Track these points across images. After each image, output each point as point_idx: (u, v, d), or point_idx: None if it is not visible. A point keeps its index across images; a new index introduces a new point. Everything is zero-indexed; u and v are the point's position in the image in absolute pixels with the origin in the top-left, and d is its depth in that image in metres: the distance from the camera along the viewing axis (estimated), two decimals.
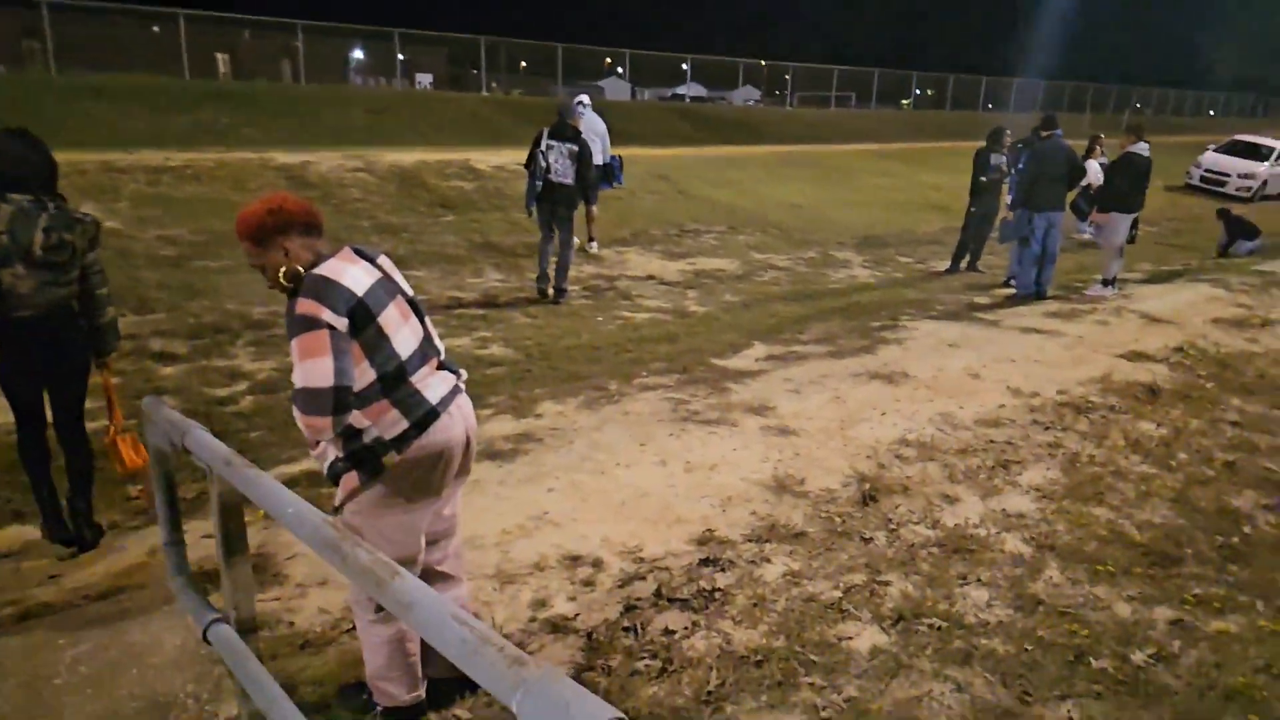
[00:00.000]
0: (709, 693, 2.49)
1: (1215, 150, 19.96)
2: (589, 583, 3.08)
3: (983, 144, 9.53)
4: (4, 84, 14.04)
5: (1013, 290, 8.62)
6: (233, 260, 7.20)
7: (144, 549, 3.29)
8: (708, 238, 11.11)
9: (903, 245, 11.89)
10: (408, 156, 11.62)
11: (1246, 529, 3.66)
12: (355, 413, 2.03)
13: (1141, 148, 8.10)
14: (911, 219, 13.77)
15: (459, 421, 2.18)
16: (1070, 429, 4.72)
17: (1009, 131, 9.65)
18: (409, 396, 2.08)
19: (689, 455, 4.17)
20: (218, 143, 11.66)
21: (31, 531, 3.38)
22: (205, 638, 1.94)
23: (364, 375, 2.02)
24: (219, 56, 24.31)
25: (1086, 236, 11.88)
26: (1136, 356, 6.16)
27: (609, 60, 31.34)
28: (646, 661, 2.64)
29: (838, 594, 3.02)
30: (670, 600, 2.96)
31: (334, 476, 2.15)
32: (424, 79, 29.40)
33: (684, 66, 29.11)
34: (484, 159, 12.01)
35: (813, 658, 2.66)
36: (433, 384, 2.15)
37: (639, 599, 2.97)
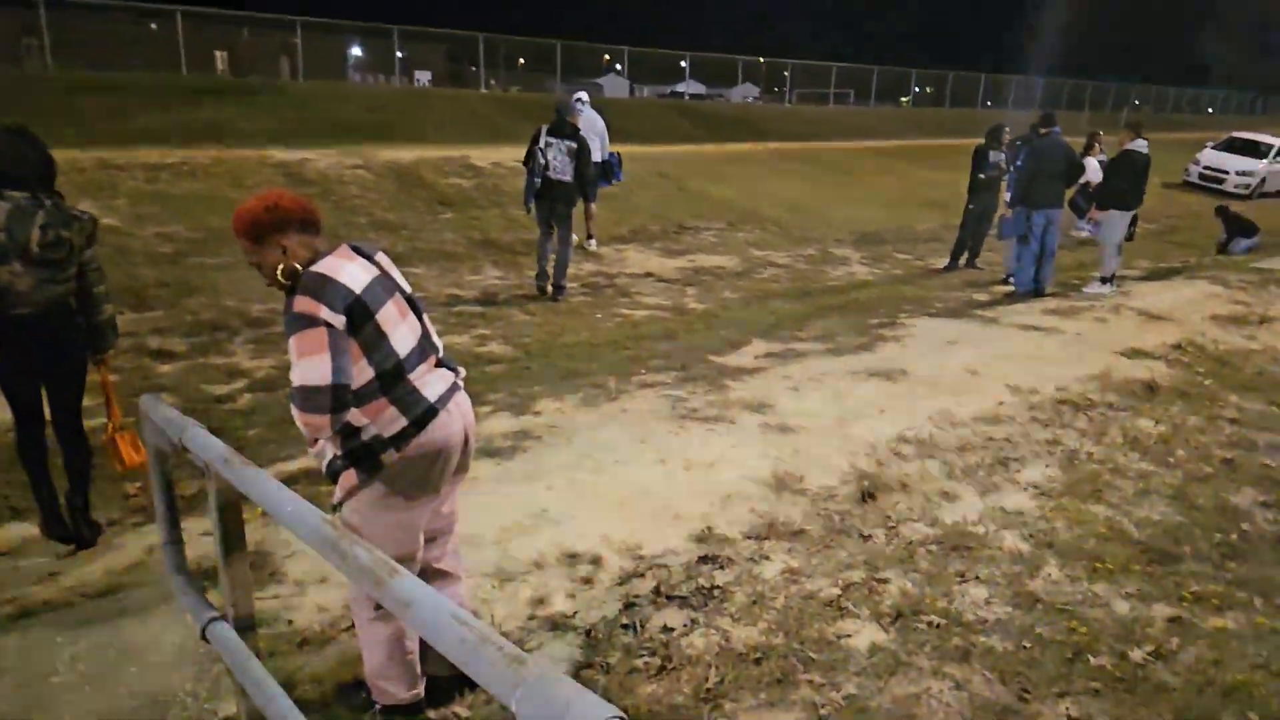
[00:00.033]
0: (708, 690, 2.49)
1: (1214, 147, 19.96)
2: (588, 580, 3.08)
3: (981, 141, 9.52)
4: (1, 81, 13.99)
5: (1011, 287, 8.62)
6: (231, 257, 7.19)
7: (142, 547, 3.29)
8: (707, 235, 11.11)
9: (901, 242, 11.89)
10: (406, 154, 11.61)
11: (1245, 526, 3.66)
12: (353, 411, 2.03)
13: (1140, 145, 8.10)
14: (910, 216, 13.77)
15: (457, 419, 2.18)
16: (1069, 426, 4.72)
17: (1008, 129, 9.64)
18: (407, 394, 2.08)
19: (688, 453, 4.17)
20: (216, 140, 11.63)
21: (30, 529, 3.37)
22: (204, 636, 1.93)
23: (362, 373, 2.02)
24: (217, 53, 24.26)
25: (1085, 234, 11.84)
26: (1135, 354, 6.16)
27: (608, 57, 31.31)
28: (645, 659, 2.64)
29: (837, 591, 3.02)
30: (669, 598, 2.96)
31: (332, 474, 2.15)
32: (423, 76, 29.35)
33: (682, 64, 29.07)
34: (483, 156, 12.00)
35: (812, 655, 2.66)
36: (431, 382, 2.15)
37: (638, 596, 2.97)
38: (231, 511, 1.79)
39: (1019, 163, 8.64)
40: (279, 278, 2.03)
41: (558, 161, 7.22)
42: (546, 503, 3.63)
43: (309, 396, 1.92)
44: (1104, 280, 8.50)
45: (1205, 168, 19.34)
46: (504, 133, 14.48)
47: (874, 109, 30.59)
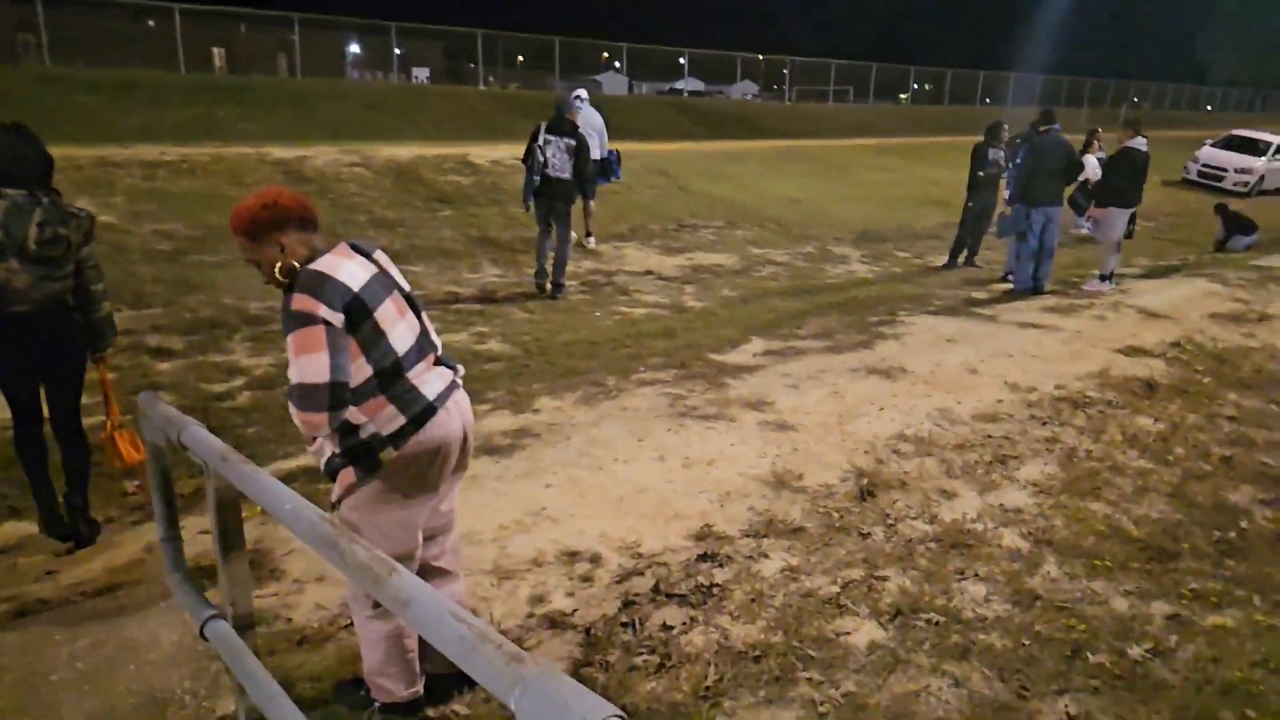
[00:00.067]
0: (707, 688, 2.49)
1: (1213, 145, 19.98)
2: (587, 578, 3.08)
3: (980, 139, 9.52)
4: None
5: (1010, 285, 8.62)
6: (229, 255, 7.19)
7: (141, 545, 3.29)
8: (706, 233, 11.10)
9: (901, 240, 11.89)
10: (405, 151, 11.59)
11: (1243, 524, 3.66)
12: (352, 409, 2.02)
13: (1139, 142, 8.10)
14: (909, 214, 13.77)
15: (456, 417, 2.18)
16: (1068, 424, 4.73)
17: (1007, 126, 9.64)
18: (406, 392, 2.08)
19: (687, 451, 4.17)
20: (214, 137, 11.61)
21: (28, 528, 3.37)
22: (202, 634, 1.93)
23: (360, 371, 2.01)
24: (215, 50, 24.22)
25: (1084, 231, 11.88)
26: (1134, 351, 6.16)
27: (606, 54, 31.30)
28: (645, 657, 2.64)
29: (835, 589, 3.02)
30: (668, 596, 2.96)
31: (331, 472, 2.15)
32: (421, 73, 29.33)
33: (681, 61, 29.08)
34: (481, 153, 11.98)
35: (810, 653, 2.66)
36: (430, 380, 2.14)
37: (637, 594, 2.97)
38: (230, 509, 1.79)
39: (1018, 160, 8.64)
40: (277, 276, 2.03)
41: (556, 159, 7.21)
42: (545, 501, 3.63)
43: (307, 394, 1.91)
44: (1103, 278, 8.51)
45: (1204, 165, 19.35)
46: (503, 130, 14.48)
47: (873, 106, 30.59)
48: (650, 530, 3.41)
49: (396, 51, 23.74)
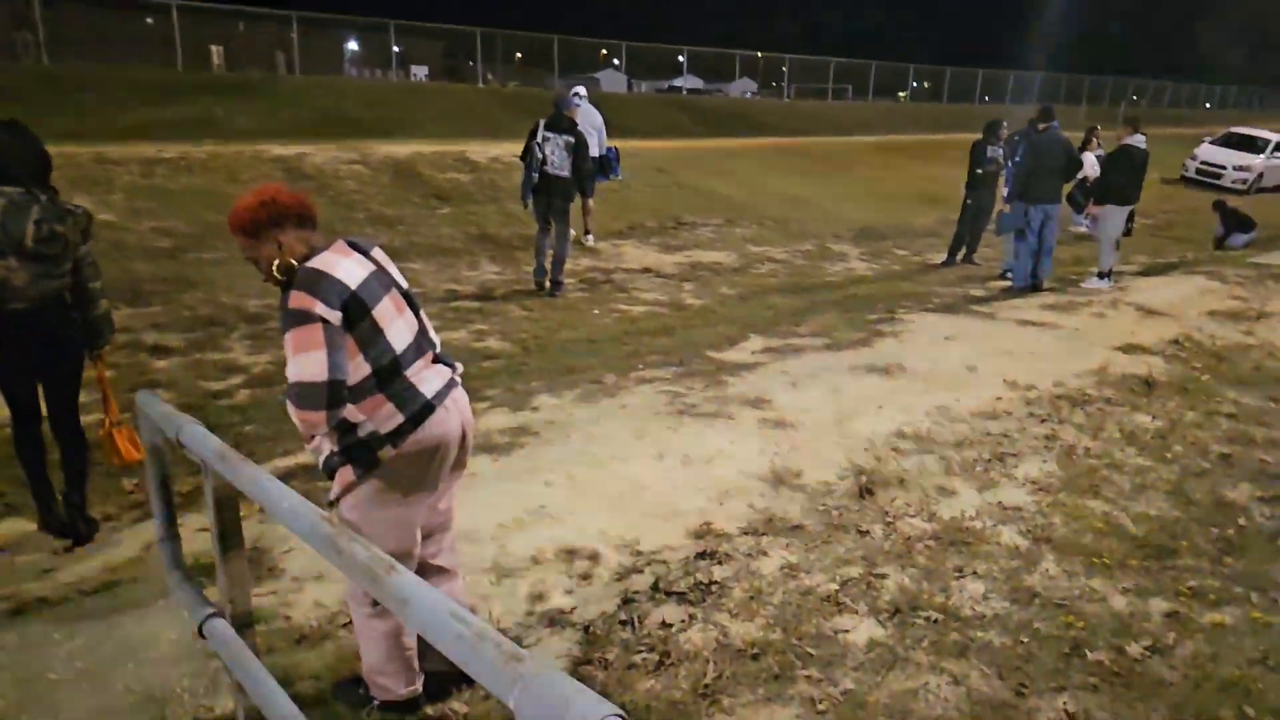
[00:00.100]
0: (706, 685, 2.49)
1: (1211, 143, 19.98)
2: (586, 576, 3.08)
3: (979, 136, 9.51)
4: None
5: (1009, 283, 8.62)
6: (227, 252, 7.18)
7: (139, 543, 3.28)
8: (704, 230, 11.10)
9: (899, 238, 11.89)
10: (403, 149, 11.58)
11: (1242, 521, 3.67)
12: (350, 407, 2.02)
13: (1138, 140, 8.10)
14: (908, 211, 13.76)
15: (455, 415, 2.17)
16: (1066, 421, 4.73)
17: (1006, 124, 9.64)
18: (404, 390, 2.07)
19: (686, 448, 4.17)
20: (212, 134, 11.59)
21: (25, 525, 3.36)
22: (201, 632, 1.93)
23: (358, 369, 2.01)
24: (213, 48, 24.13)
25: (1083, 229, 11.88)
26: (1132, 349, 6.17)
27: (605, 52, 31.24)
28: (644, 654, 2.64)
29: (834, 587, 3.02)
30: (667, 593, 2.96)
31: (329, 470, 2.14)
32: (419, 71, 29.27)
33: (680, 59, 29.04)
34: (480, 151, 11.97)
35: (809, 650, 2.66)
36: (428, 378, 2.14)
37: (636, 592, 2.97)
38: (228, 508, 1.79)
39: (1017, 158, 8.63)
40: (275, 273, 2.02)
41: (555, 157, 7.20)
42: (544, 499, 3.63)
43: (305, 393, 1.91)
44: (1101, 275, 8.51)
45: (1203, 163, 19.35)
46: (501, 128, 14.46)
47: (872, 104, 30.58)
48: (649, 528, 3.41)
49: (395, 49, 23.69)
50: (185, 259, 7.36)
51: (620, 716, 0.83)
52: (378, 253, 2.18)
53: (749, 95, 33.85)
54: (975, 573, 3.15)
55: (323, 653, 2.62)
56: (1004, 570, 3.18)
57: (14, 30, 17.02)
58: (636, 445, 4.20)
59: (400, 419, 2.06)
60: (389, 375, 2.05)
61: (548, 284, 7.62)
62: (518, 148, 7.81)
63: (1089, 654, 2.69)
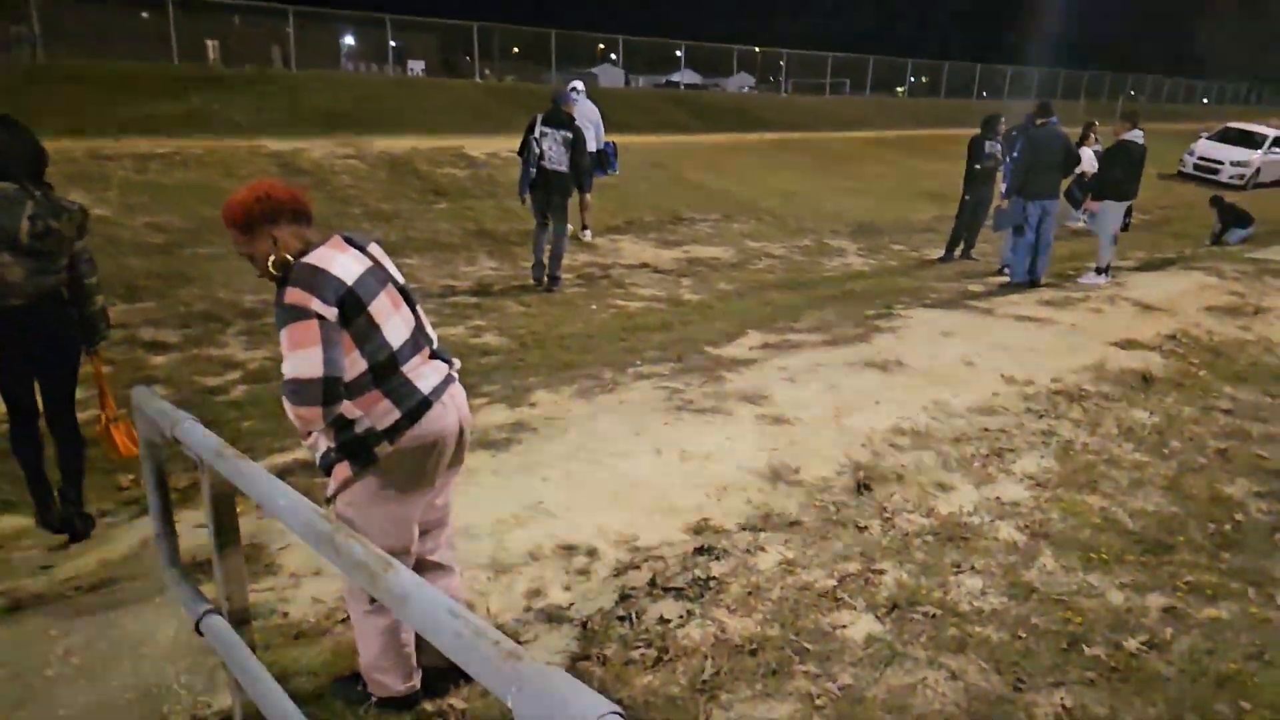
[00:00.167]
0: (704, 681, 2.49)
1: (1209, 138, 19.98)
2: (584, 572, 3.08)
3: (977, 131, 9.50)
4: None
5: (1007, 278, 8.62)
6: (223, 247, 7.15)
7: (136, 539, 3.28)
8: (702, 226, 11.08)
9: (897, 233, 11.88)
10: (400, 143, 11.55)
11: (1239, 516, 3.68)
12: (346, 403, 2.01)
13: (1136, 135, 8.08)
14: (906, 207, 13.76)
15: (452, 411, 2.17)
16: (1064, 417, 4.73)
17: (1004, 119, 9.62)
18: (401, 386, 2.06)
19: (684, 444, 4.17)
20: (207, 129, 11.56)
21: (22, 522, 3.36)
22: (198, 629, 1.92)
23: (355, 365, 2.00)
24: (209, 43, 24.04)
25: (1080, 224, 11.88)
26: (1130, 344, 6.17)
27: (602, 47, 31.16)
28: (642, 651, 2.64)
29: (832, 582, 3.02)
30: (665, 589, 2.96)
31: (326, 467, 2.14)
32: (416, 65, 29.19)
33: (678, 53, 28.98)
34: (477, 146, 11.94)
35: (807, 646, 2.66)
36: (425, 374, 2.13)
37: (634, 588, 2.97)
38: (225, 504, 1.78)
39: (1015, 153, 8.62)
40: (270, 269, 2.01)
41: (553, 151, 7.19)
42: (542, 494, 3.62)
43: (300, 389, 1.90)
44: (1099, 271, 8.51)
45: (1200, 158, 19.36)
46: (499, 123, 14.42)
47: (869, 99, 30.55)
48: (647, 524, 3.41)
49: (392, 44, 23.61)
50: (181, 254, 7.34)
51: (619, 714, 0.83)
52: (374, 248, 2.17)
53: (746, 90, 33.79)
54: (973, 568, 3.16)
55: (320, 649, 2.62)
56: (1002, 566, 3.18)
57: (9, 25, 16.95)
58: (634, 441, 4.20)
59: (397, 415, 2.05)
60: (386, 371, 2.04)
61: (545, 279, 7.60)
62: (515, 143, 7.79)
63: (1086, 649, 2.69)
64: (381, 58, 24.71)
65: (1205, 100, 44.99)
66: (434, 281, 7.66)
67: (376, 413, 2.04)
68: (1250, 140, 19.32)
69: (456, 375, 2.26)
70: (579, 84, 9.70)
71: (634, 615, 2.81)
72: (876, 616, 2.84)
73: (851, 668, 2.58)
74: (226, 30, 26.13)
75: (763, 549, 3.24)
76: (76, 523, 3.27)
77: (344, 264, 1.99)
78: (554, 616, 2.81)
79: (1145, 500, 3.79)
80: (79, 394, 3.30)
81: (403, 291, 2.17)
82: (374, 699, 2.33)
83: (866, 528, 3.44)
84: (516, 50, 29.68)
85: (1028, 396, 5.02)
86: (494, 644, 0.96)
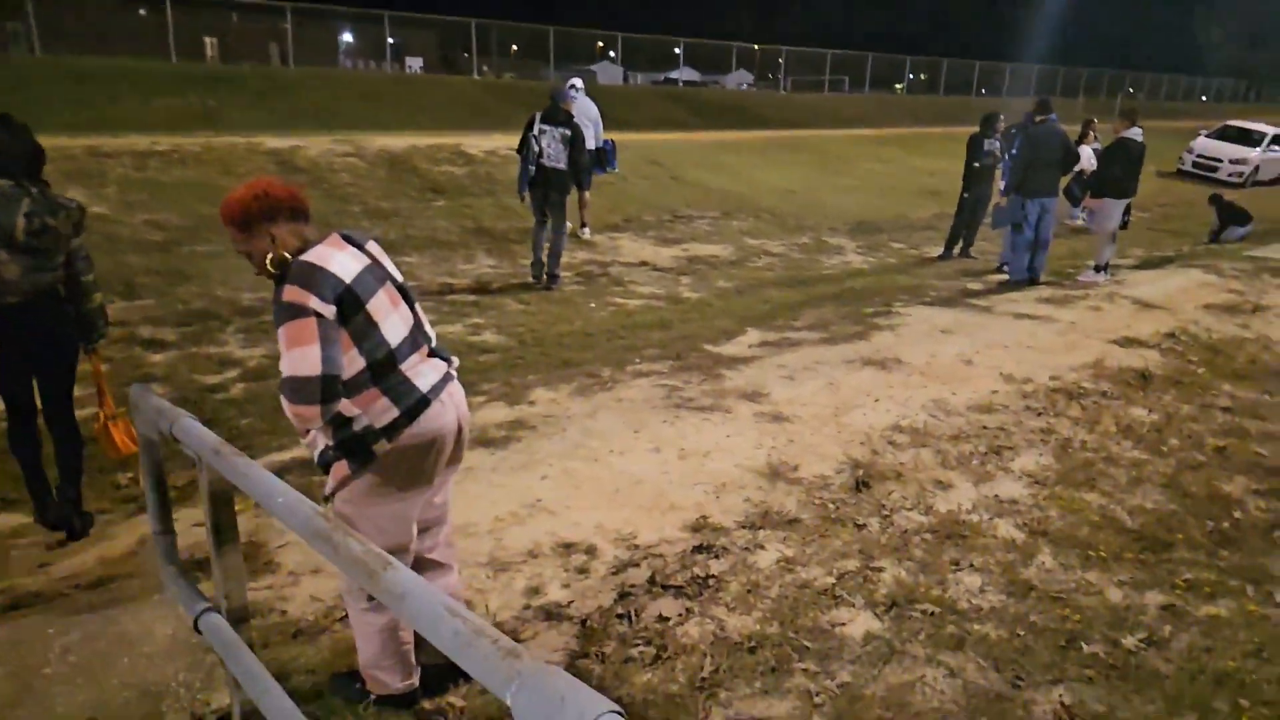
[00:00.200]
0: (703, 679, 2.49)
1: (1207, 136, 19.98)
2: (583, 570, 3.08)
3: (976, 129, 9.49)
4: None
5: (1005, 276, 8.62)
6: (221, 245, 7.14)
7: (134, 537, 3.27)
8: (701, 223, 11.07)
9: (896, 231, 11.88)
10: (398, 141, 11.53)
11: (1237, 514, 3.68)
12: (345, 401, 2.01)
13: (1135, 133, 8.08)
14: (905, 204, 13.75)
15: (450, 409, 2.17)
16: (1062, 415, 4.73)
17: (1003, 116, 9.62)
18: (399, 384, 2.06)
19: (683, 442, 4.17)
20: (205, 127, 11.54)
21: (20, 519, 3.35)
22: (196, 627, 1.92)
23: (353, 363, 2.00)
24: (206, 40, 24.01)
25: (1079, 222, 11.88)
26: (1128, 342, 6.18)
27: (601, 44, 31.15)
28: (641, 648, 2.64)
29: (831, 580, 3.02)
30: (664, 587, 2.96)
31: (324, 465, 2.14)
32: (414, 62, 29.15)
33: (676, 51, 28.94)
34: (475, 143, 11.92)
35: (806, 644, 2.66)
36: (423, 372, 2.13)
37: (633, 586, 2.97)
38: (223, 502, 1.78)
39: (1014, 151, 8.62)
40: (268, 267, 2.01)
41: (552, 149, 7.18)
42: (541, 492, 3.62)
43: (298, 387, 1.90)
44: (1098, 269, 8.51)
45: (1199, 156, 19.36)
46: (497, 120, 14.40)
47: (868, 96, 30.53)
48: (646, 522, 3.41)
49: (390, 41, 23.60)
50: (179, 252, 7.32)
51: (618, 713, 0.82)
52: (372, 246, 2.16)
53: (745, 87, 33.76)
54: (972, 566, 3.16)
55: (319, 647, 2.62)
56: (1000, 563, 3.18)
57: (6, 21, 16.91)
58: (633, 439, 4.20)
59: (395, 413, 2.05)
60: (384, 369, 2.04)
61: (544, 277, 7.60)
62: (513, 140, 7.77)
63: (1085, 646, 2.70)
64: (380, 55, 24.71)
65: (1204, 98, 45.04)
66: (432, 279, 7.65)
67: (375, 411, 2.04)
68: (1249, 138, 19.33)
69: (455, 373, 2.26)
70: (578, 81, 9.68)
71: (633, 613, 2.81)
72: (875, 614, 2.84)
73: (850, 665, 2.58)
74: (224, 27, 26.10)
75: (761, 547, 3.24)
76: (75, 521, 3.26)
77: (342, 262, 1.99)
78: (553, 614, 2.81)
79: (1144, 498, 3.79)
80: (77, 392, 3.29)
81: (401, 289, 2.17)
82: (373, 697, 2.33)
83: (865, 525, 3.44)
84: (515, 47, 29.67)
85: (1026, 394, 5.02)
86: (493, 642, 0.96)
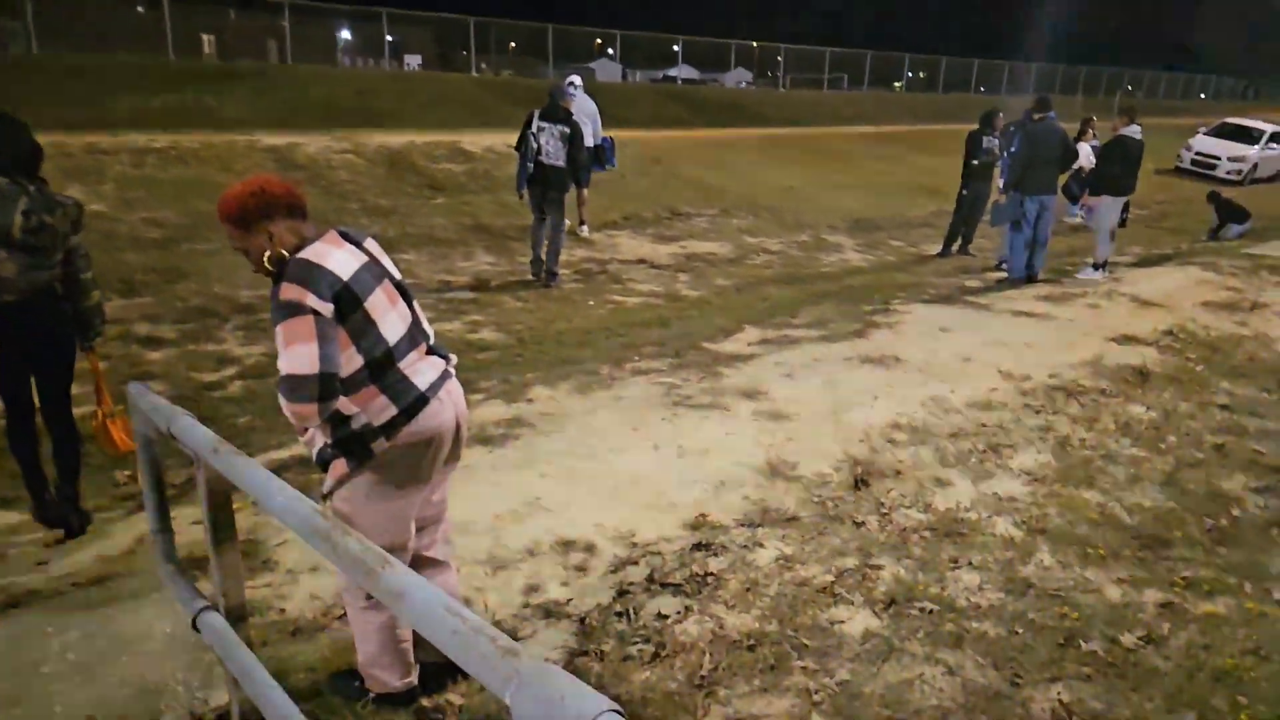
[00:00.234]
0: (702, 677, 2.49)
1: (1206, 133, 19.98)
2: (581, 568, 3.08)
3: (975, 127, 9.49)
4: None
5: (1004, 274, 8.62)
6: (219, 243, 7.12)
7: (132, 535, 3.27)
8: (699, 221, 11.07)
9: (895, 229, 11.88)
10: (396, 138, 11.51)
11: (1235, 512, 3.68)
12: (343, 399, 2.00)
13: (1134, 130, 8.08)
14: (903, 202, 13.75)
15: (449, 407, 2.16)
16: (1061, 412, 4.73)
17: (1001, 114, 9.62)
18: (397, 382, 2.06)
19: (681, 440, 4.17)
20: (203, 124, 11.51)
21: (18, 518, 3.35)
22: (194, 626, 1.92)
23: (351, 361, 1.99)
24: (204, 37, 23.94)
25: (1077, 220, 11.89)
26: (1127, 340, 6.18)
27: (600, 42, 31.07)
28: (639, 646, 2.64)
29: (830, 578, 3.02)
30: (663, 585, 2.96)
31: (322, 463, 2.13)
32: (412, 60, 29.09)
33: (675, 48, 28.89)
34: (474, 141, 11.91)
35: (805, 641, 2.67)
36: (422, 369, 2.12)
37: (631, 584, 2.97)
38: (221, 500, 1.78)
39: (1013, 148, 8.61)
40: (265, 264, 2.00)
41: (550, 146, 7.17)
42: (540, 490, 3.62)
43: (296, 385, 1.89)
44: (1096, 266, 8.51)
45: (1197, 153, 19.36)
46: (495, 117, 14.39)
47: (867, 94, 30.51)
48: (645, 520, 3.41)
49: (388, 38, 23.55)
50: (177, 249, 7.31)
51: (617, 711, 0.82)
52: (370, 243, 2.16)
53: (744, 85, 33.71)
54: (970, 563, 3.16)
55: (317, 645, 2.61)
56: (999, 561, 3.18)
57: (3, 19, 16.86)
58: (632, 437, 4.20)
59: (393, 411, 2.04)
60: (382, 367, 2.04)
61: (543, 275, 7.59)
62: (512, 138, 7.77)
63: (1083, 644, 2.70)
64: (378, 52, 24.65)
65: (1202, 95, 45.03)
66: (431, 277, 7.65)
67: (373, 409, 2.04)
68: (1247, 136, 19.33)
69: (453, 371, 2.26)
70: (576, 79, 9.67)
71: (632, 611, 2.81)
72: (874, 612, 2.84)
73: (849, 663, 2.58)
74: (222, 24, 26.01)
75: (760, 545, 3.24)
76: (73, 519, 3.26)
77: (340, 259, 1.99)
78: (552, 612, 2.81)
79: (1142, 495, 3.79)
80: (75, 389, 3.29)
81: (399, 287, 2.16)
82: (371, 695, 2.33)
83: (864, 523, 3.44)
84: (513, 45, 29.60)
85: (1025, 392, 5.02)
86: (492, 641, 0.96)
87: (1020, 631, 2.75)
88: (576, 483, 3.71)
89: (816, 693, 2.45)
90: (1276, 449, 4.37)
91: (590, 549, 3.19)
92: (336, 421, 2.05)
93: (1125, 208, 8.61)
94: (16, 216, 2.87)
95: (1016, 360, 5.59)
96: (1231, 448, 4.35)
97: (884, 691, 2.47)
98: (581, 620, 2.77)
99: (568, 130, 7.18)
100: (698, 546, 3.21)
